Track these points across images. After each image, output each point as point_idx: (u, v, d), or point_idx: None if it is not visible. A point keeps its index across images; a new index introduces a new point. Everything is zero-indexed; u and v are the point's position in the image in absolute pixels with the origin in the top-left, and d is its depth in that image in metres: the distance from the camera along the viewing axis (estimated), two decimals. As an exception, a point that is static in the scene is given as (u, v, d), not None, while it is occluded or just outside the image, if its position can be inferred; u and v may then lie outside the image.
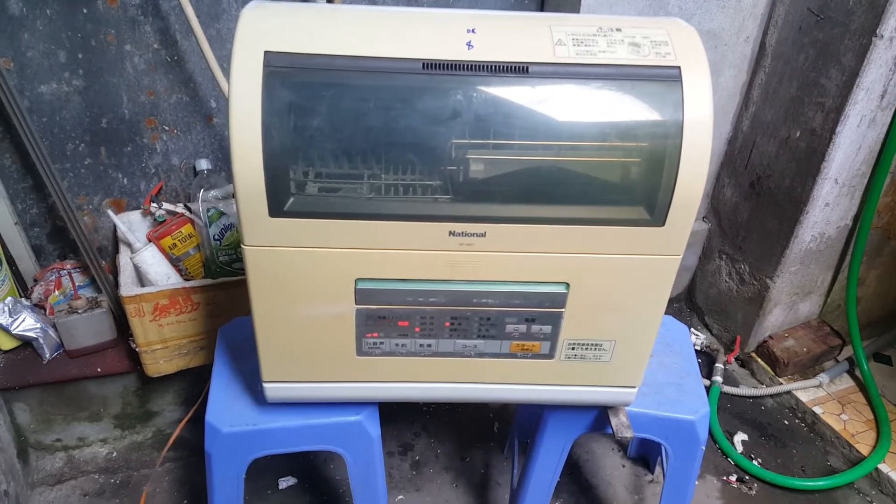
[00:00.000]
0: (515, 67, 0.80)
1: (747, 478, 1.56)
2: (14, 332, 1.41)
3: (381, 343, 0.96)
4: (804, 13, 1.55)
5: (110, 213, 1.36)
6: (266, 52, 0.78)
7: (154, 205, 1.44)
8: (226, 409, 1.07)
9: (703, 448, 1.14)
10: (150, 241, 1.43)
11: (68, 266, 1.48)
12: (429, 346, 0.97)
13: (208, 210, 1.43)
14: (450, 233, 0.85)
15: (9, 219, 1.41)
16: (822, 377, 1.75)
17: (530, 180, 0.85)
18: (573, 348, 0.97)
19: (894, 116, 1.51)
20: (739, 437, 1.67)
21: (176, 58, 1.36)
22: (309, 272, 0.88)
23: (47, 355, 1.44)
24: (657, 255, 0.88)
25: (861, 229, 1.66)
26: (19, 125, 1.26)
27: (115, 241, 1.48)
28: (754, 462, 1.59)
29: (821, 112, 1.52)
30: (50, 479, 1.49)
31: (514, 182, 0.85)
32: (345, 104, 0.81)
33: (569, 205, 0.86)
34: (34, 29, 1.26)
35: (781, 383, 1.76)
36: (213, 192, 1.45)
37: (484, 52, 0.80)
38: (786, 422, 1.73)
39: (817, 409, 1.68)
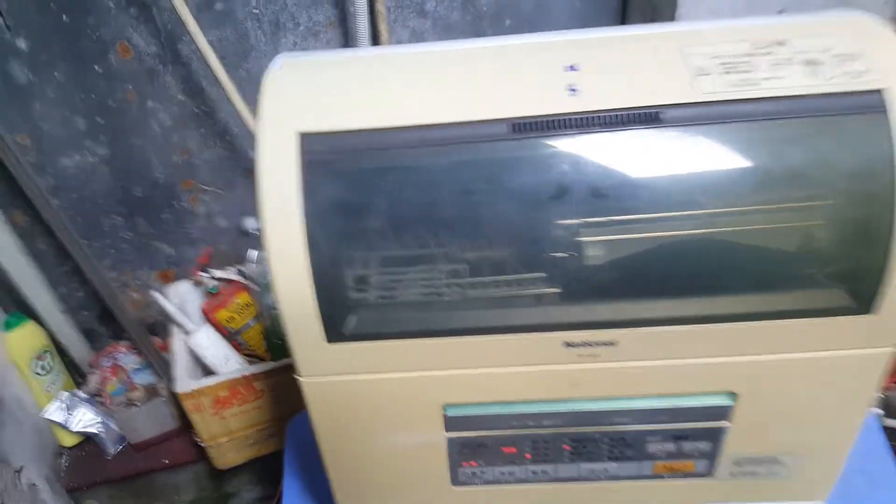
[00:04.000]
0: (641, 116, 0.56)
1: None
2: (74, 430, 1.28)
3: (483, 472, 0.75)
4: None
5: (156, 295, 1.20)
6: (302, 135, 0.57)
7: (204, 274, 1.28)
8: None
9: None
10: (204, 315, 1.26)
11: (122, 348, 1.34)
12: (544, 472, 0.75)
13: (264, 275, 1.25)
14: (565, 344, 0.62)
15: (53, 307, 1.28)
16: None
17: (673, 266, 0.61)
18: (739, 464, 0.73)
19: None
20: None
21: (205, 108, 1.18)
22: (382, 402, 0.68)
23: (111, 449, 1.31)
24: (862, 350, 0.63)
25: None
26: (41, 206, 1.11)
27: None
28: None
29: None
30: (131, 577, 1.38)
31: (651, 270, 0.61)
32: (412, 193, 0.59)
33: (732, 294, 0.61)
34: (44, 97, 1.10)
35: (960, 406, 1.45)
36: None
37: (593, 98, 0.57)
38: (970, 455, 1.41)
39: None
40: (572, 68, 0.58)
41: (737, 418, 0.68)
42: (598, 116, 0.56)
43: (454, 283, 0.61)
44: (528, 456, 0.73)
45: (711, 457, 0.71)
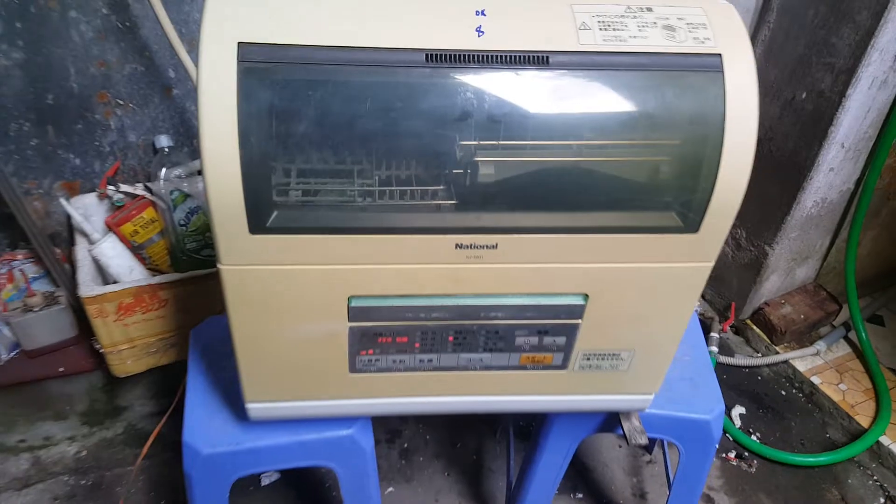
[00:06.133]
0: (534, 58, 0.69)
1: (746, 454, 1.53)
2: (-38, 334, 1.28)
3: (377, 360, 0.87)
4: (816, -36, 1.43)
5: (63, 202, 1.22)
6: (240, 44, 0.65)
7: (111, 187, 1.30)
8: (204, 426, 0.97)
9: (717, 445, 1.09)
10: (108, 228, 1.29)
11: (20, 256, 1.34)
12: (430, 360, 0.88)
13: (172, 192, 1.30)
14: (456, 245, 0.75)
15: (-54, 209, 1.26)
16: (820, 345, 1.72)
17: (549, 185, 0.74)
18: (588, 359, 0.89)
19: (908, 78, 1.42)
20: (737, 411, 1.63)
21: (128, 24, 1.20)
22: (296, 292, 0.78)
23: (4, 355, 1.32)
24: (687, 264, 0.79)
25: (864, 192, 1.60)
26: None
27: (70, 227, 1.33)
28: (753, 437, 1.56)
29: (830, 73, 1.42)
30: (16, 483, 1.39)
31: (531, 187, 0.74)
32: (335, 105, 0.69)
33: (591, 212, 0.76)
34: (-42, -5, 1.08)
35: (778, 352, 1.73)
36: (176, 171, 1.31)
37: (497, 40, 0.68)
38: (783, 392, 1.70)
39: (815, 380, 1.65)
40: (482, 13, 0.70)
41: (587, 317, 0.83)
42: (499, 55, 0.68)
43: (366, 185, 0.72)
44: (417, 345, 0.85)
45: (566, 350, 0.87)
